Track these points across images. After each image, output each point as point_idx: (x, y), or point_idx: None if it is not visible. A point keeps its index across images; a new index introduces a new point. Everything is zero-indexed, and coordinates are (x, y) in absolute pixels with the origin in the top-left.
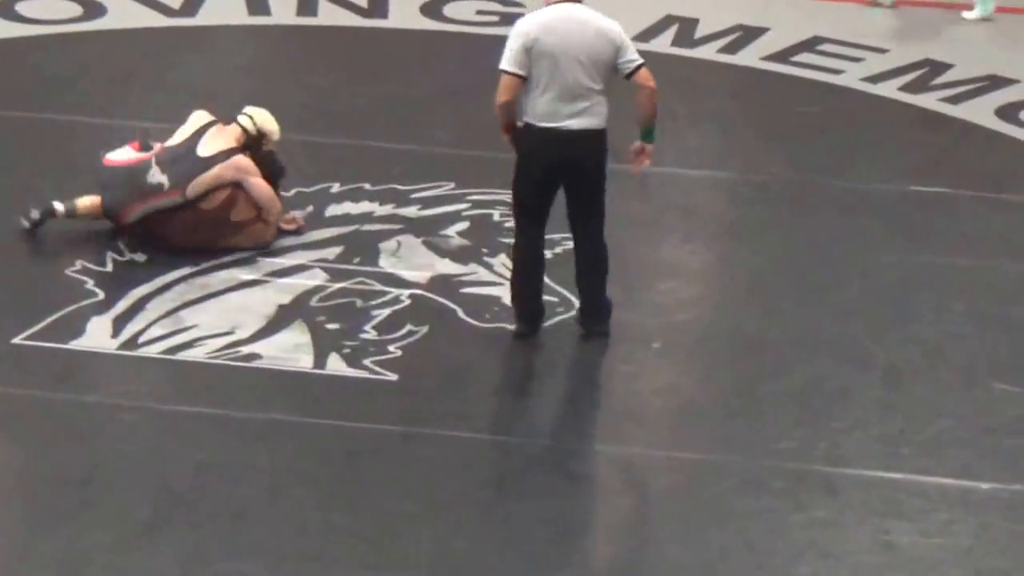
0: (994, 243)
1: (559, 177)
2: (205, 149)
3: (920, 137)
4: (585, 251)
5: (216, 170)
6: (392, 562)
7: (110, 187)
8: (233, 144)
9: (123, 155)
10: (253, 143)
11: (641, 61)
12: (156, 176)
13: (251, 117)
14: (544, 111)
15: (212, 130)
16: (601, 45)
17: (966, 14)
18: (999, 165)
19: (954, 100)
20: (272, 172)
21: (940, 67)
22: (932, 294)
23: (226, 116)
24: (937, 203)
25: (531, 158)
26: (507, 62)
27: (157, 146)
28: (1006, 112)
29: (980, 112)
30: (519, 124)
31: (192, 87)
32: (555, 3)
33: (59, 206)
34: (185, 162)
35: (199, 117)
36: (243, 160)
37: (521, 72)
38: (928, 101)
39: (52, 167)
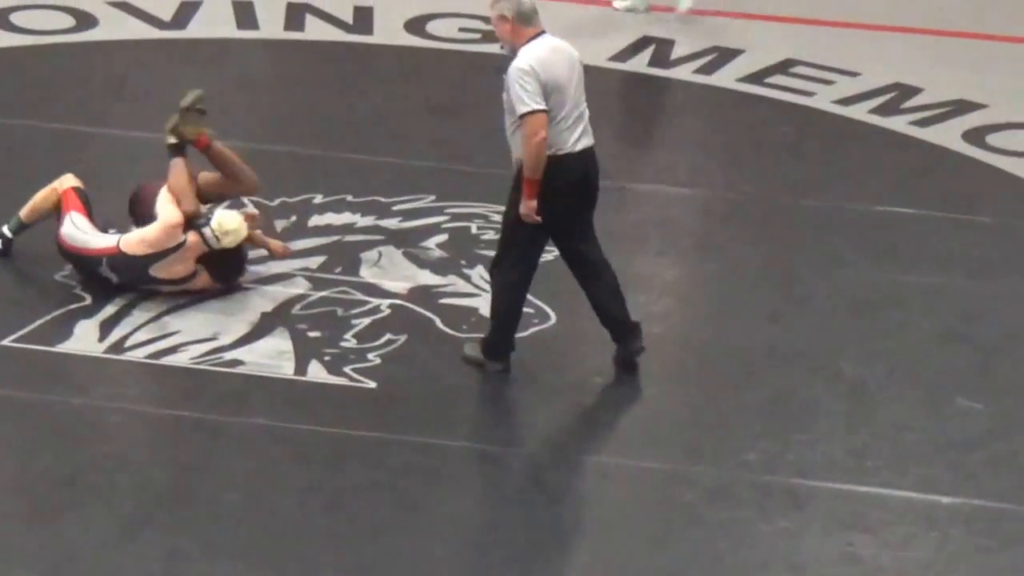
0: (960, 263)
1: (587, 195)
2: (158, 271)
3: (889, 159)
4: (599, 264)
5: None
6: (369, 565)
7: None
8: (190, 267)
9: (77, 234)
10: (215, 252)
11: None
12: (106, 271)
13: (217, 237)
14: (566, 139)
15: (174, 255)
16: (579, 68)
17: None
18: (965, 187)
19: (923, 123)
20: (228, 270)
21: (910, 91)
22: (899, 311)
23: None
24: (905, 223)
25: (567, 183)
26: (532, 101)
27: (114, 239)
28: (973, 136)
29: (948, 136)
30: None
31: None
32: (533, 37)
33: (6, 230)
34: (133, 273)
35: (171, 232)
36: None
37: (546, 107)
38: (898, 124)
39: (42, 175)
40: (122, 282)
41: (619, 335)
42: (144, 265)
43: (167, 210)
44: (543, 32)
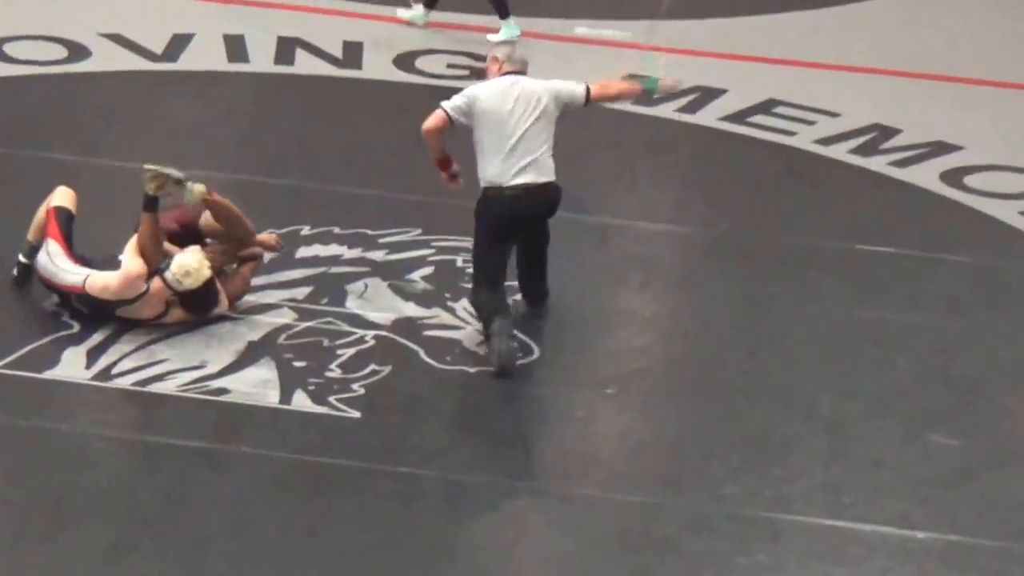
0: (936, 301)
1: (527, 226)
2: (124, 313)
3: (868, 198)
4: (539, 248)
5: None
6: None
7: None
8: (158, 311)
9: (48, 265)
10: (182, 295)
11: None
12: (76, 304)
13: (179, 280)
14: (502, 171)
15: (137, 303)
16: (537, 106)
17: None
18: (942, 227)
19: (901, 164)
20: (202, 303)
21: (889, 132)
22: (876, 348)
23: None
24: (883, 261)
25: (503, 216)
26: (450, 104)
27: (81, 278)
28: (950, 177)
29: (926, 176)
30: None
31: (172, 129)
32: (502, 74)
33: (21, 257)
34: (104, 313)
35: (135, 283)
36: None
37: (454, 117)
38: (877, 164)
39: (32, 204)
40: (93, 315)
41: (529, 299)
42: (111, 307)
43: (130, 261)
44: (514, 72)
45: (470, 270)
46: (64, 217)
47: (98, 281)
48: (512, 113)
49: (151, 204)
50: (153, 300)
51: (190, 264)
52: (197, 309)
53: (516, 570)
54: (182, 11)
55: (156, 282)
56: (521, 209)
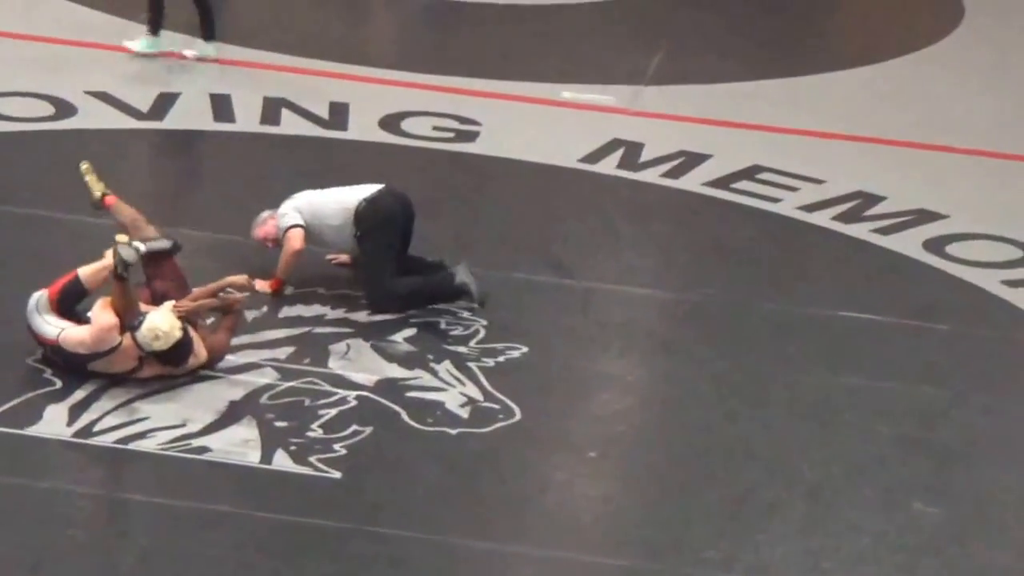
0: (918, 369)
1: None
2: (98, 367)
3: (851, 266)
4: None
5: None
6: None
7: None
8: (131, 365)
9: (34, 314)
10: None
11: None
12: (53, 356)
13: (150, 341)
14: None
15: (109, 357)
16: None
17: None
18: (925, 295)
19: (884, 231)
20: (176, 357)
21: (872, 199)
22: (857, 415)
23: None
24: (865, 329)
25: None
26: None
27: (56, 331)
28: (933, 245)
29: (908, 244)
30: None
31: (158, 188)
32: None
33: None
34: (76, 366)
35: (107, 336)
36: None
37: None
38: (860, 231)
39: (9, 259)
40: (69, 368)
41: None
42: (83, 361)
43: (100, 315)
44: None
45: (454, 332)
46: (74, 283)
47: (73, 336)
48: None
49: (122, 277)
50: (124, 355)
51: (160, 327)
52: (171, 362)
53: None
54: (169, 70)
55: (127, 339)
56: None
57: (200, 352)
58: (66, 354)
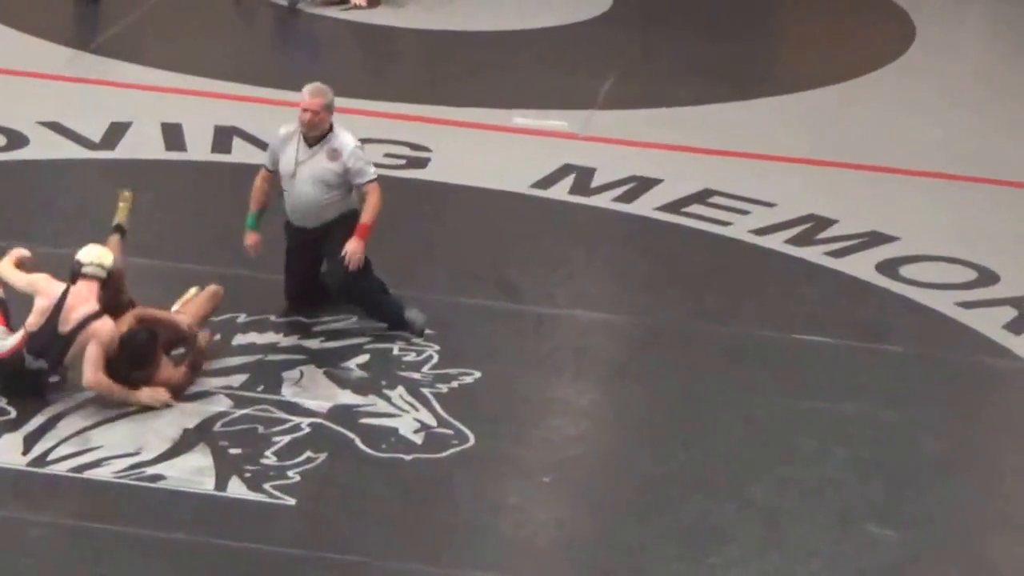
0: (872, 392)
1: None
2: (64, 324)
3: (804, 289)
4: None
5: (82, 345)
6: None
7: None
8: (92, 305)
9: None
10: (110, 285)
11: None
12: (33, 363)
13: (99, 265)
14: None
15: (68, 303)
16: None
17: None
18: (878, 317)
19: (837, 254)
20: (132, 359)
21: (824, 222)
22: (812, 439)
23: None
24: (819, 352)
25: None
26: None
27: (21, 333)
28: (886, 267)
29: (861, 266)
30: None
31: (110, 217)
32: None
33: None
34: (51, 344)
35: (48, 286)
36: (100, 328)
37: None
38: (813, 254)
39: None
40: (51, 363)
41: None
42: (52, 327)
43: (93, 353)
44: None
45: (407, 357)
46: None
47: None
48: None
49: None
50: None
51: (97, 250)
52: (131, 363)
53: None
54: (120, 100)
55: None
56: None
57: (162, 371)
58: (43, 338)
